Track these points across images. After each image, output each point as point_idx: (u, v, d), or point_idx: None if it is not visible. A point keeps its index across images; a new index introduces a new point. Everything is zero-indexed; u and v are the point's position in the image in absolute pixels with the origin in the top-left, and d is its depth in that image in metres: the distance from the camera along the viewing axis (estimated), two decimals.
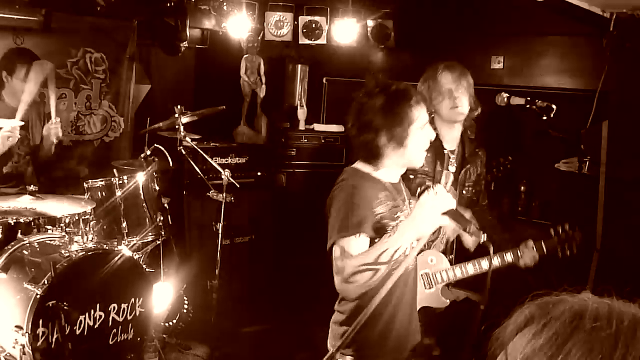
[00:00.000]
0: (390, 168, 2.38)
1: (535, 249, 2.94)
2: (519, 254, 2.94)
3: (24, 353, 3.15)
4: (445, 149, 3.03)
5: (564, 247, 2.95)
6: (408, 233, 2.13)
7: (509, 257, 2.96)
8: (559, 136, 3.26)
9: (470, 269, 2.94)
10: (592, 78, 4.28)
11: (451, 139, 3.08)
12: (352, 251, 2.20)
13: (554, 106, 3.12)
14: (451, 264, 3.00)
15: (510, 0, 4.28)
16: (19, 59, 4.08)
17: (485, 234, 2.08)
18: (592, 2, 3.49)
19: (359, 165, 2.41)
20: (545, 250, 2.94)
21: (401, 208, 2.38)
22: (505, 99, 3.15)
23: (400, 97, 2.29)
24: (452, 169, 3.07)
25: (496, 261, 2.93)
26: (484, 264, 2.88)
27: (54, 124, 4.12)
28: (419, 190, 2.18)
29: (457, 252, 3.14)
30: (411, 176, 2.92)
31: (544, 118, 3.13)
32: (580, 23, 4.09)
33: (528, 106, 3.13)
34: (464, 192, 3.14)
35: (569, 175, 3.49)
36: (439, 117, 3.04)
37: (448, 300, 2.99)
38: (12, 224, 3.64)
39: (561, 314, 0.89)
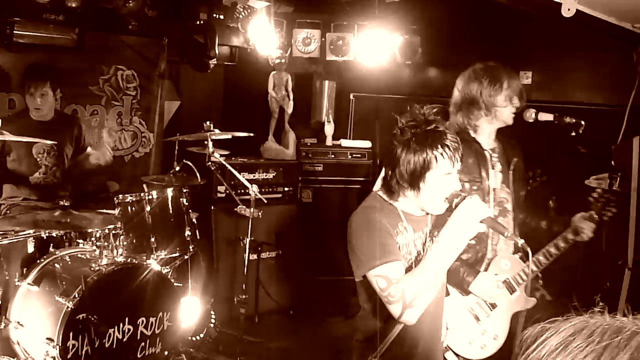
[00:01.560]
0: (409, 201, 2.33)
1: (589, 219, 2.96)
2: (577, 229, 2.96)
3: None
4: (485, 150, 3.00)
5: (607, 208, 3.00)
6: (450, 242, 2.13)
7: (570, 235, 2.97)
8: (589, 152, 3.22)
9: (542, 259, 2.97)
10: (623, 93, 4.23)
11: (490, 139, 3.05)
12: (397, 276, 2.18)
13: (582, 122, 3.08)
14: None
15: (538, 15, 4.25)
16: (29, 78, 4.24)
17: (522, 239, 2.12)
18: (621, 16, 3.46)
19: (382, 192, 2.39)
20: (596, 216, 2.97)
21: (416, 242, 2.36)
22: (533, 115, 3.12)
23: (426, 140, 2.18)
24: (499, 166, 3.05)
25: (562, 243, 2.96)
26: (552, 250, 2.96)
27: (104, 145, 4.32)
28: (455, 201, 2.17)
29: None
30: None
31: (573, 134, 3.09)
32: (609, 38, 4.05)
33: (556, 122, 3.10)
34: (518, 189, 3.11)
35: (605, 190, 3.44)
36: (489, 118, 2.99)
37: (535, 299, 3.00)
38: (45, 237, 3.72)
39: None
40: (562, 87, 4.76)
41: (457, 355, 2.90)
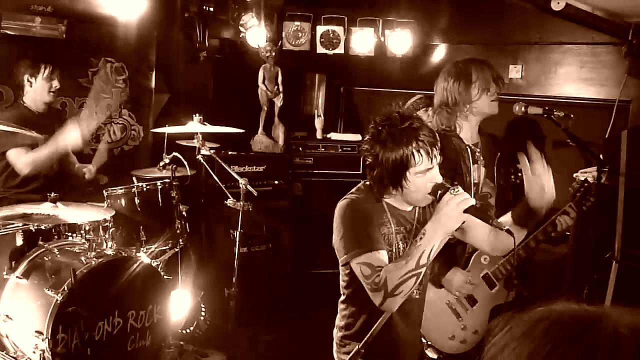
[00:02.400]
0: (395, 197, 2.34)
1: (565, 210, 3.00)
2: (556, 222, 2.99)
3: (43, 358, 3.20)
4: (467, 145, 3.01)
5: (586, 199, 3.04)
6: (437, 232, 2.15)
7: (549, 228, 3.00)
8: (578, 146, 3.24)
9: (522, 252, 2.99)
10: (612, 87, 4.27)
11: (473, 134, 3.06)
12: (381, 265, 2.20)
13: (572, 115, 3.11)
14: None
15: (528, 10, 4.27)
16: (42, 60, 4.18)
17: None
18: (610, 11, 3.48)
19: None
20: (575, 208, 3.02)
21: (397, 236, 2.37)
22: (523, 109, 3.13)
23: (402, 138, 2.18)
24: (482, 161, 3.05)
25: (541, 236, 3.00)
26: (532, 244, 2.98)
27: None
28: (438, 192, 2.17)
29: None
30: None
31: (562, 127, 3.11)
32: (598, 32, 4.08)
33: (545, 116, 3.12)
34: (501, 182, 3.13)
35: (584, 180, 3.46)
36: (469, 113, 2.99)
37: (514, 292, 3.03)
38: (34, 230, 3.70)
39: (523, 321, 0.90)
40: (552, 81, 4.78)
41: (437, 350, 2.92)
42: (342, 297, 2.48)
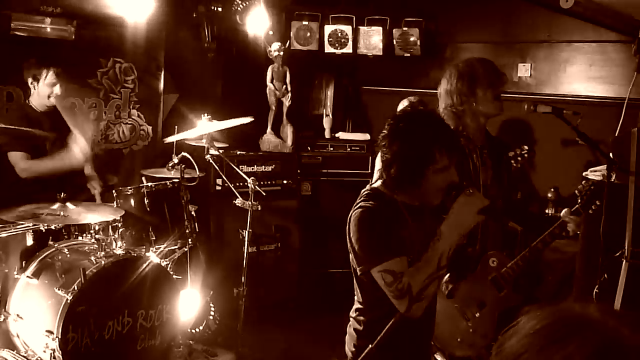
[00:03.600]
0: (409, 193, 2.32)
1: (574, 214, 2.99)
2: (564, 224, 2.98)
3: (54, 357, 3.21)
4: (476, 147, 2.99)
5: (592, 202, 3.02)
6: (453, 233, 2.17)
7: (557, 230, 2.99)
8: (587, 144, 3.23)
9: (530, 255, 2.98)
10: (621, 85, 4.24)
11: (480, 135, 3.05)
12: (402, 271, 2.18)
13: (581, 114, 3.09)
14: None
15: (537, 8, 4.26)
16: (44, 64, 4.19)
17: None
18: (621, 9, 3.46)
19: (381, 186, 2.36)
20: (581, 210, 3.00)
21: (417, 233, 2.34)
22: (532, 107, 3.12)
23: (425, 136, 2.19)
24: (489, 163, 3.04)
25: (549, 238, 2.98)
26: (540, 246, 2.97)
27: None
28: (453, 193, 2.18)
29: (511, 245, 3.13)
30: None
31: (572, 126, 3.10)
32: (608, 29, 4.06)
33: (555, 114, 3.11)
34: (507, 184, 3.12)
35: (598, 183, 3.44)
36: (476, 112, 2.98)
37: (522, 295, 3.03)
38: (44, 230, 3.72)
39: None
40: (561, 80, 4.76)
41: (445, 355, 2.91)
42: (359, 305, 2.43)
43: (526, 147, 3.98)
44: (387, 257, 2.19)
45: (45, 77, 4.16)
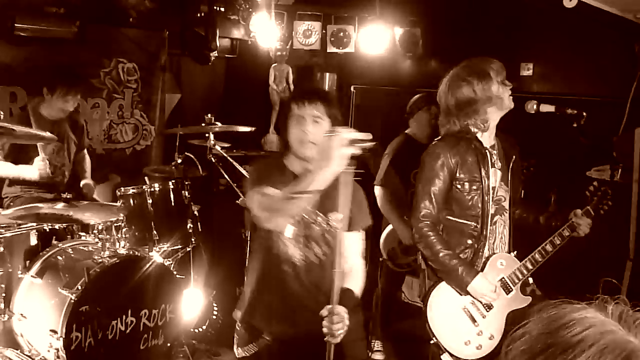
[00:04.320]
0: (294, 158, 2.58)
1: (585, 215, 2.97)
2: (574, 225, 2.96)
3: (58, 357, 3.22)
4: (485, 148, 2.98)
5: (603, 203, 3.01)
6: (319, 165, 2.27)
7: (566, 232, 2.96)
8: (590, 143, 3.22)
9: (538, 257, 2.96)
10: (624, 85, 4.23)
11: (490, 136, 3.01)
12: (267, 191, 2.39)
13: (584, 113, 3.08)
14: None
15: (540, 6, 4.25)
16: (61, 80, 4.19)
17: None
18: (623, 8, 3.46)
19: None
20: (593, 212, 2.98)
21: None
22: (535, 106, 3.10)
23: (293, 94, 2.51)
24: (499, 164, 3.02)
25: (558, 240, 2.96)
26: (549, 247, 2.95)
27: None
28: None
29: (514, 245, 3.11)
30: (459, 186, 2.91)
31: (575, 125, 3.09)
32: (610, 29, 4.05)
33: (558, 113, 3.09)
34: (516, 184, 3.09)
35: (601, 183, 3.44)
36: (494, 109, 2.92)
37: (530, 297, 3.00)
38: (48, 230, 3.73)
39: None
40: (564, 79, 4.75)
41: (453, 356, 2.90)
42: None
43: (533, 161, 3.97)
44: (258, 184, 2.43)
45: (60, 93, 4.16)
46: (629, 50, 4.13)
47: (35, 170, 4.01)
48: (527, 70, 4.90)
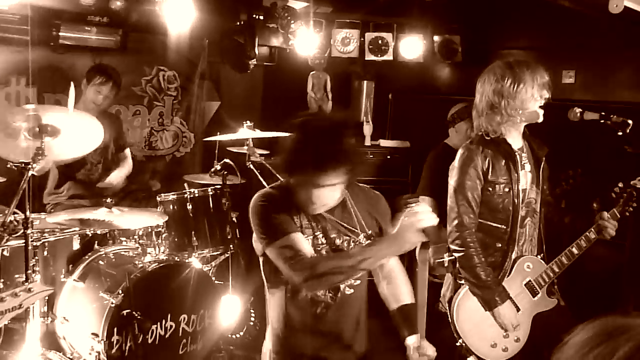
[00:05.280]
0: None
1: (611, 217, 2.95)
2: (600, 227, 2.93)
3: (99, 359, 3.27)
4: (515, 150, 2.94)
5: (629, 205, 2.99)
6: (385, 247, 2.12)
7: (592, 234, 2.94)
8: (636, 152, 3.14)
9: (565, 259, 2.94)
10: None
11: (518, 138, 2.97)
12: (300, 247, 2.20)
13: (630, 121, 3.00)
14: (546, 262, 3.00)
15: (583, 12, 4.16)
16: (99, 72, 4.29)
17: None
18: None
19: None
20: (619, 214, 2.96)
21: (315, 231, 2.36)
22: (579, 114, 3.04)
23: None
24: (528, 166, 2.98)
25: (584, 243, 2.93)
26: (575, 250, 2.92)
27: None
28: (406, 210, 2.09)
29: (547, 249, 3.07)
30: (489, 189, 2.87)
31: (620, 133, 3.02)
32: None
33: (603, 121, 3.02)
34: (545, 187, 3.06)
35: (627, 185, 3.34)
36: (514, 119, 2.88)
37: (555, 299, 3.00)
38: (90, 235, 3.80)
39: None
40: (607, 86, 4.65)
41: (479, 358, 2.88)
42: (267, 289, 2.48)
43: (580, 170, 3.91)
44: (283, 234, 2.22)
45: (96, 83, 4.25)
46: None
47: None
48: (568, 78, 4.82)
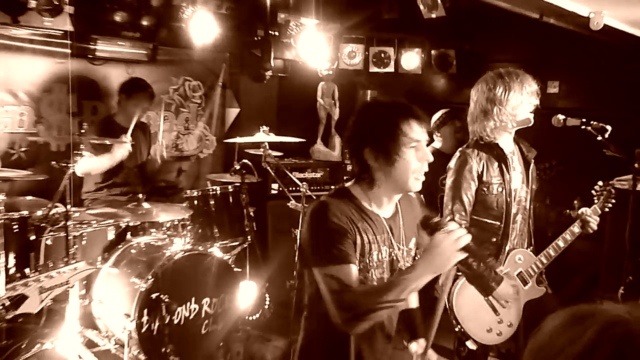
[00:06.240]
0: (380, 196, 2.01)
1: (592, 213, 2.98)
2: (583, 222, 2.97)
3: (130, 337, 3.28)
4: (506, 153, 2.91)
5: (608, 201, 3.03)
6: (427, 271, 1.79)
7: (576, 229, 2.97)
8: (614, 155, 3.13)
9: (552, 252, 2.95)
10: None
11: (509, 142, 2.95)
12: (352, 282, 1.84)
13: (608, 127, 3.00)
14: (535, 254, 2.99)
15: (566, 29, 4.14)
16: (136, 87, 4.31)
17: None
18: None
19: (351, 185, 2.05)
20: (599, 210, 2.99)
21: (381, 245, 2.00)
22: (562, 121, 3.05)
23: (386, 111, 1.94)
24: (519, 168, 2.97)
25: (569, 236, 2.96)
26: (561, 243, 2.95)
27: (159, 145, 4.34)
28: (429, 229, 1.85)
29: (536, 242, 3.06)
30: (484, 189, 2.85)
31: (599, 138, 3.02)
32: (635, 50, 3.93)
33: (583, 127, 3.02)
34: (534, 187, 3.04)
35: (624, 192, 3.33)
36: (505, 126, 2.85)
37: (544, 287, 3.00)
38: (123, 226, 3.82)
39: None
40: (588, 96, 4.63)
41: (476, 342, 2.88)
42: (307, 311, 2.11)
43: (555, 161, 3.89)
44: (337, 262, 1.84)
45: (135, 98, 4.27)
46: None
47: (124, 150, 4.08)
48: (553, 88, 4.80)
